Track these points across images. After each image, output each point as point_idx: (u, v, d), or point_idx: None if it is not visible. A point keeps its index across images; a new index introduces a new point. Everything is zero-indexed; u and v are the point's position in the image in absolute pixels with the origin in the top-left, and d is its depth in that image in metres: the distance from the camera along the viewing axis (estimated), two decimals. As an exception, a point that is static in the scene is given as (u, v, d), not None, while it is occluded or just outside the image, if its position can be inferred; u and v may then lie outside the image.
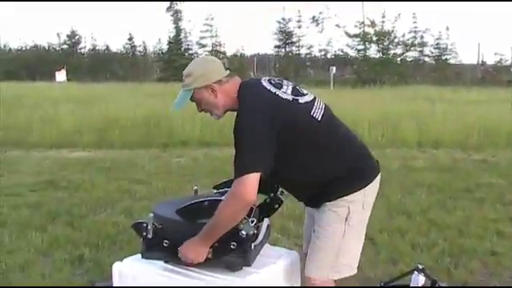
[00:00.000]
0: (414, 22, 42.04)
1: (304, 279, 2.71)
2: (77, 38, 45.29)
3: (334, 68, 31.19)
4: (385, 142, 10.57)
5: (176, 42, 41.62)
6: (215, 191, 2.90)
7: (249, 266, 2.51)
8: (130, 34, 45.87)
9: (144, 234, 2.58)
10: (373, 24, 39.07)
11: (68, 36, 44.83)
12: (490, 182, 7.39)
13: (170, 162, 8.99)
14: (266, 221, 2.75)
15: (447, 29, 56.13)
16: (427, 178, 7.50)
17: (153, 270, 2.56)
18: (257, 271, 2.51)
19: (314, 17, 41.61)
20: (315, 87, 24.91)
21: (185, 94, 2.67)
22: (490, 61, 40.17)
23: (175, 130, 10.86)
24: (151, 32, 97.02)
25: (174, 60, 39.27)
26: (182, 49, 41.64)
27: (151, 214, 2.61)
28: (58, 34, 45.17)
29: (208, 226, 2.46)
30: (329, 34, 69.33)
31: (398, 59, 40.22)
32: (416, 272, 3.54)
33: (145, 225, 2.58)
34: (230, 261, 2.51)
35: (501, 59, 37.63)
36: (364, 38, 39.13)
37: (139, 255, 2.63)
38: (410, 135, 10.79)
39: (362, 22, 39.62)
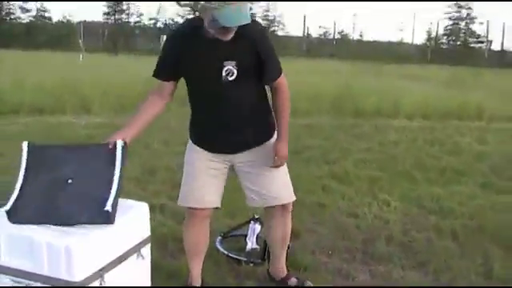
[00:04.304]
0: (243, -6, 42.78)
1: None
2: None
3: (164, 37, 30.81)
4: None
5: (-4, 5, 39.31)
6: None
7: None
8: None
9: None
10: (203, -7, 39.38)
11: None
12: (316, 144, 7.99)
13: (2, 129, 8.63)
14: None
15: (275, -1, 57.69)
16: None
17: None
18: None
19: (144, -16, 41.16)
20: (145, 56, 24.77)
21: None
22: (315, 34, 42.12)
23: (4, 98, 10.38)
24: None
25: (-6, 25, 37.13)
26: (3, 13, 39.41)
27: None
28: None
29: (284, 123, 3.11)
30: (159, 3, 68.70)
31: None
32: (252, 221, 3.88)
33: None
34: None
35: (325, 32, 39.56)
36: (195, 7, 39.33)
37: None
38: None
39: (194, -9, 39.79)
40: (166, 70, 3.03)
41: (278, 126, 3.13)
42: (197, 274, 3.37)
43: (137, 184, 5.52)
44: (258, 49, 2.92)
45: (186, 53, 2.94)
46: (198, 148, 3.17)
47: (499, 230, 4.64)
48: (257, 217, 3.88)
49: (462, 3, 46.77)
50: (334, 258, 3.98)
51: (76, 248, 2.44)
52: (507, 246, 4.31)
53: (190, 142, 3.22)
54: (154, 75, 3.06)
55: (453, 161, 7.25)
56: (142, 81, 12.19)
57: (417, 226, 4.77)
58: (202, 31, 2.86)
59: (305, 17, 44.54)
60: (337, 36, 40.59)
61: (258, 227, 3.86)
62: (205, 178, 3.16)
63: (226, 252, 3.83)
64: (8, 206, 2.63)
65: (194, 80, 3.04)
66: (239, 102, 3.01)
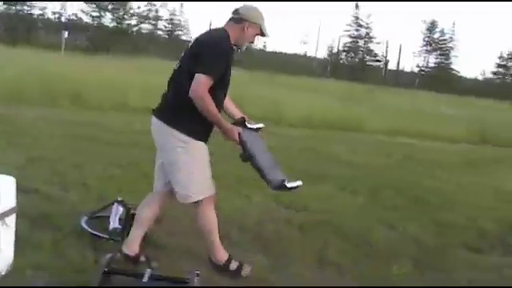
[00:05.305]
0: (151, -4, 42.90)
1: None
2: None
3: (66, 32, 30.32)
4: (108, 105, 11.25)
5: None
6: None
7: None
8: None
9: None
10: (108, -8, 39.23)
11: None
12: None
13: None
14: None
15: (181, 6, 58.07)
16: (149, 140, 8.33)
17: None
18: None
19: (48, -23, 40.45)
20: (46, 50, 24.50)
21: None
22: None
23: None
24: None
25: None
26: None
27: None
28: None
29: None
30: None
31: (133, 30, 40.89)
32: (116, 203, 4.30)
33: None
34: None
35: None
36: (99, 5, 39.10)
37: None
38: (133, 101, 11.55)
39: (99, -11, 39.53)
40: (220, 73, 3.63)
41: None
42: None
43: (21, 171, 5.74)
44: None
45: (230, 61, 3.71)
46: (201, 143, 3.76)
47: (344, 223, 5.29)
48: (120, 199, 4.27)
49: (362, 22, 48.82)
50: (188, 240, 4.43)
51: None
52: (346, 237, 4.95)
53: (191, 139, 3.71)
54: (210, 75, 3.55)
55: (321, 166, 7.91)
56: (39, 74, 12.29)
57: (270, 218, 5.32)
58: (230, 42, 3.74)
59: (211, 23, 44.96)
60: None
61: (120, 209, 4.26)
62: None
63: (90, 230, 4.21)
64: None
65: (226, 81, 3.74)
66: None
